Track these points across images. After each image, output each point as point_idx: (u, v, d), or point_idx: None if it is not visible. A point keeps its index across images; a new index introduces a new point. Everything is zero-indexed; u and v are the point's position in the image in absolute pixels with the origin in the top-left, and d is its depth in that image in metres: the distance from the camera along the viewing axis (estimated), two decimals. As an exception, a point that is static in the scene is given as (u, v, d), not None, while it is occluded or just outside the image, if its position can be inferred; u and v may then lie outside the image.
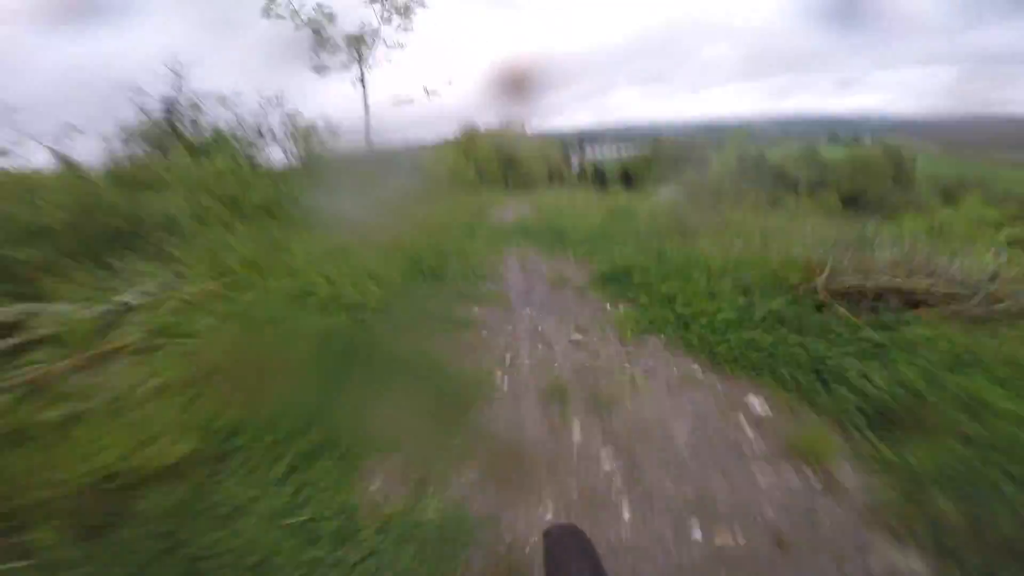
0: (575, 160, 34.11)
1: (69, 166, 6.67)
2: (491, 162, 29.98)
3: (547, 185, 28.97)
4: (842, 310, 3.82)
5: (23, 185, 5.90)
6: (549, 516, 2.42)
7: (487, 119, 31.82)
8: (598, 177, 30.52)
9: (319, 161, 10.99)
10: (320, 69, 14.41)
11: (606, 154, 36.92)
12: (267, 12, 12.90)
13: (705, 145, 35.73)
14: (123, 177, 7.17)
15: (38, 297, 3.82)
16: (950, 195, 20.22)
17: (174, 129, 9.46)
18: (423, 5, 16.00)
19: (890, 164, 24.35)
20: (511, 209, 16.12)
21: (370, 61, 15.32)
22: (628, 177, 28.97)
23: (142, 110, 9.10)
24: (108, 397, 2.84)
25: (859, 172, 24.12)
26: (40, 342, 3.31)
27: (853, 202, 22.29)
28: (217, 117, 10.04)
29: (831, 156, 30.21)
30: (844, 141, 44.48)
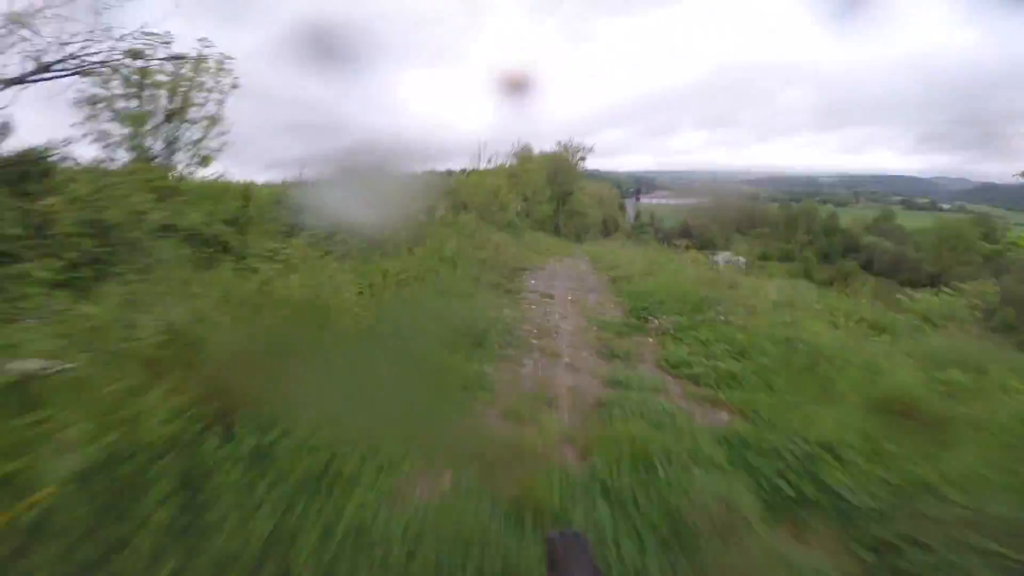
0: (631, 207, 33.09)
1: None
2: (541, 195, 25.70)
3: (602, 234, 27.62)
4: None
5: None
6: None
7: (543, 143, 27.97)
8: (655, 230, 29.31)
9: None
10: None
11: (662, 203, 35.75)
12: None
13: (770, 200, 34.20)
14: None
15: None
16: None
17: None
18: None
19: (981, 238, 22.27)
20: (573, 284, 9.18)
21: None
22: (689, 233, 27.65)
23: None
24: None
25: (945, 247, 22.13)
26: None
27: (933, 283, 20.29)
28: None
29: (910, 224, 28.21)
30: (921, 205, 41.80)
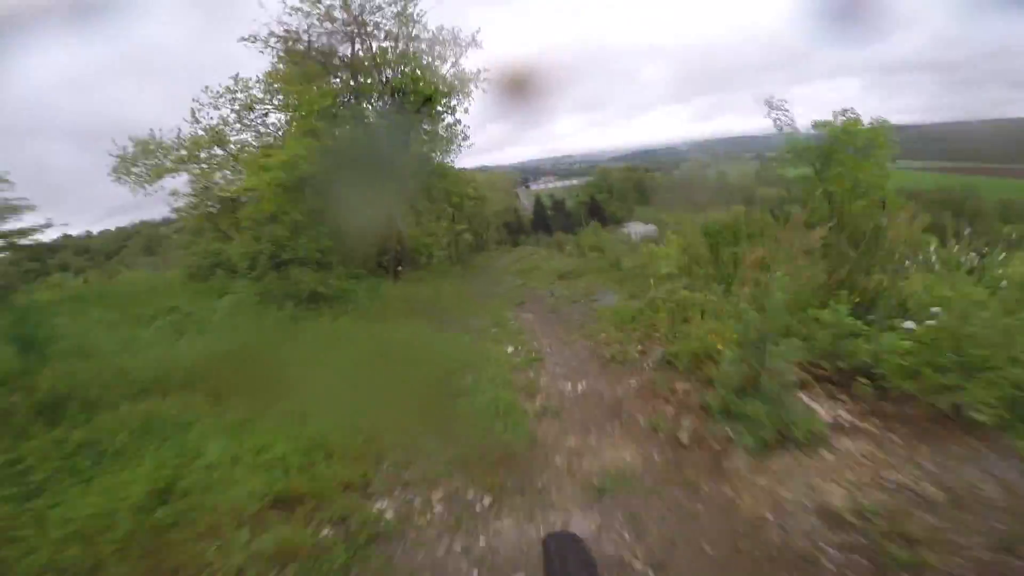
0: (523, 197, 31.48)
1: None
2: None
3: (508, 234, 23.87)
4: None
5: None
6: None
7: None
8: (559, 210, 27.74)
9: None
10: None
11: (552, 187, 34.86)
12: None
13: (649, 171, 34.66)
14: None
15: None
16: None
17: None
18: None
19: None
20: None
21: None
22: (598, 211, 26.46)
23: None
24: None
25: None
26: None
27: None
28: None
29: (790, 173, 29.66)
30: (771, 158, 45.35)
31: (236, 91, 11.65)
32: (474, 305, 10.00)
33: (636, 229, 23.56)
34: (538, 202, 29.21)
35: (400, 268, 12.50)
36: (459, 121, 14.10)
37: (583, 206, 28.00)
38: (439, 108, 13.48)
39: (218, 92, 11.58)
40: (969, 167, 31.55)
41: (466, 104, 13.73)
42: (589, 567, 1.12)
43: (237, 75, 11.56)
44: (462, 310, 9.26)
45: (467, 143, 14.54)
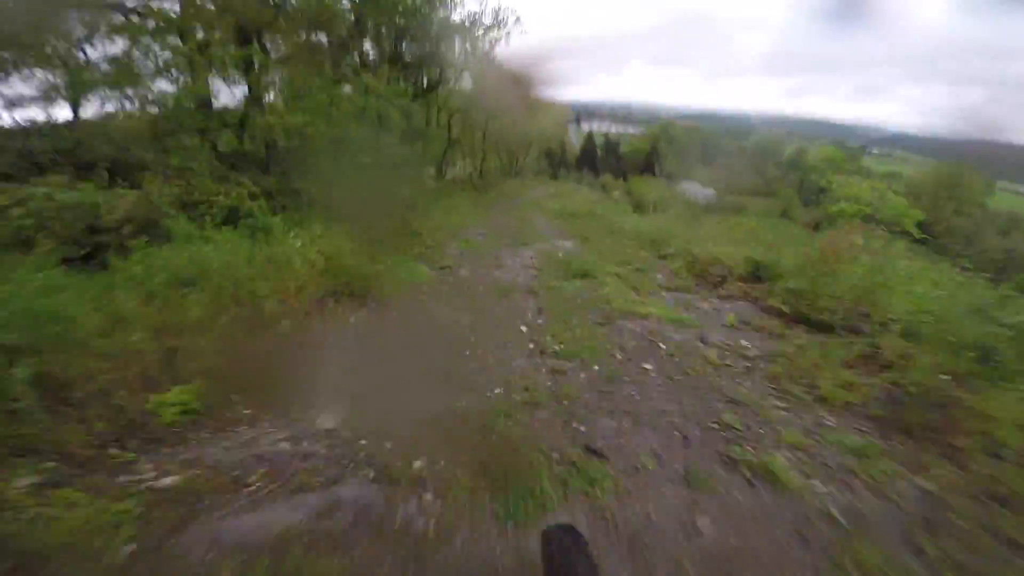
0: (572, 133, 28.60)
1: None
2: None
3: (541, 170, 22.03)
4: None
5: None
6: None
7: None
8: (611, 152, 24.87)
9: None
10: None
11: (605, 130, 32.09)
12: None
13: (714, 135, 31.29)
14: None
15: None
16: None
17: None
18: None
19: (978, 191, 20.21)
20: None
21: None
22: (655, 160, 23.47)
23: None
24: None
25: (943, 196, 19.84)
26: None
27: (931, 236, 16.71)
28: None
29: (877, 168, 26.26)
30: (852, 149, 41.80)
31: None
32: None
33: (694, 189, 20.89)
34: (589, 139, 26.29)
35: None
36: None
37: (643, 154, 25.00)
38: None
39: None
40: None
41: None
42: (587, 558, 1.05)
43: None
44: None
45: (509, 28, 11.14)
